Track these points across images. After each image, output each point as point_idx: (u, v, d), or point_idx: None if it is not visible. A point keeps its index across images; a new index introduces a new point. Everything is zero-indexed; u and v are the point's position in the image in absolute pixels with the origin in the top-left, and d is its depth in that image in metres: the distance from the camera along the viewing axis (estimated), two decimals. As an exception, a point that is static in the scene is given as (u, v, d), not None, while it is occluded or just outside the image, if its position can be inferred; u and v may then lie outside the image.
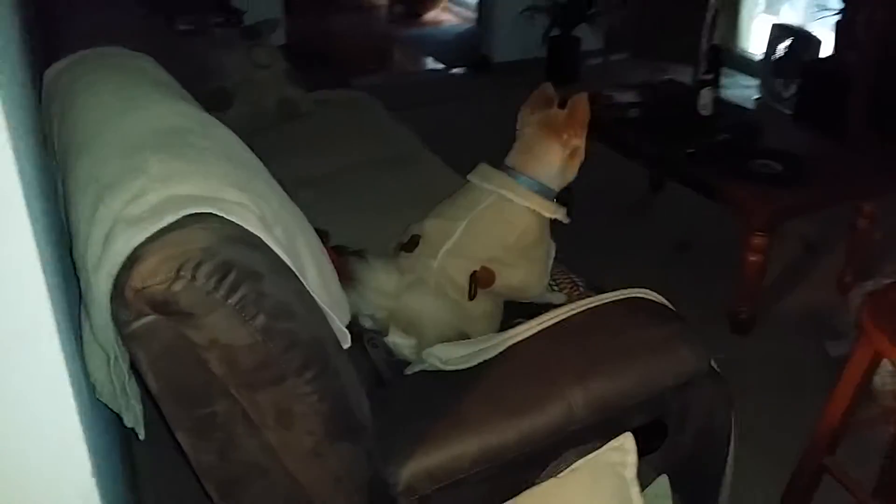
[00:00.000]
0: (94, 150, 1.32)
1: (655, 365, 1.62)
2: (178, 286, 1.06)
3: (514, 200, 1.84)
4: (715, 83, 3.40)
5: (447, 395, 1.56)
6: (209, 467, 1.28)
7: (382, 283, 1.73)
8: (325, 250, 2.03)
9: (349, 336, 1.40)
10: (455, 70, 6.24)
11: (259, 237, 1.20)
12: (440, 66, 6.34)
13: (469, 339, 1.76)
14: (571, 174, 1.86)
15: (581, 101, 1.80)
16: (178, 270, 1.06)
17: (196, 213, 1.15)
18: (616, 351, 1.63)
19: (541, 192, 1.83)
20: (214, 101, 3.10)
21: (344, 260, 2.10)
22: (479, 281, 1.80)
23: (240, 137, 2.88)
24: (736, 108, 3.55)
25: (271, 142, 3.03)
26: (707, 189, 2.95)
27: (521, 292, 1.94)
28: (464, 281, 1.80)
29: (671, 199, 3.88)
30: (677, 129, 3.22)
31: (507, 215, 1.85)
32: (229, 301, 1.10)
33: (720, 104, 3.43)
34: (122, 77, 1.57)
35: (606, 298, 1.78)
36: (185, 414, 1.22)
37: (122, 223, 1.14)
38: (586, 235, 3.61)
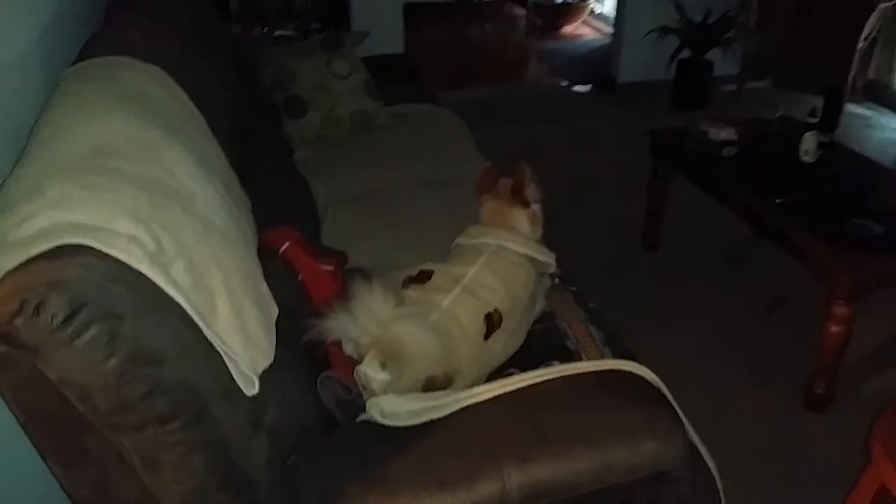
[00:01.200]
0: (28, 163, 1.32)
1: (615, 453, 1.42)
2: (19, 321, 1.03)
3: (513, 248, 1.87)
4: (829, 126, 3.01)
5: (378, 452, 1.45)
6: (85, 501, 1.24)
7: (377, 307, 1.62)
8: (320, 273, 2.01)
9: (256, 382, 1.32)
10: (579, 87, 6.01)
11: (142, 273, 1.15)
12: (565, 82, 6.14)
13: (453, 383, 1.63)
14: (537, 235, 1.98)
15: (521, 168, 1.93)
16: (22, 304, 1.03)
17: (74, 244, 1.11)
18: (574, 431, 1.45)
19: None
20: (290, 108, 3.14)
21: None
22: (494, 323, 1.74)
23: (312, 146, 2.87)
24: (852, 157, 3.13)
25: (337, 153, 3.03)
26: (791, 246, 2.62)
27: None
28: (474, 321, 1.71)
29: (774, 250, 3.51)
30: (772, 176, 2.89)
31: (512, 263, 1.86)
32: (76, 341, 1.05)
33: (834, 150, 3.05)
34: (100, 90, 1.57)
35: (588, 367, 1.60)
36: (54, 446, 1.19)
37: (3, 245, 1.12)
38: (672, 279, 3.38)
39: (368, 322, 1.60)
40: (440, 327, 1.65)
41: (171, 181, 1.36)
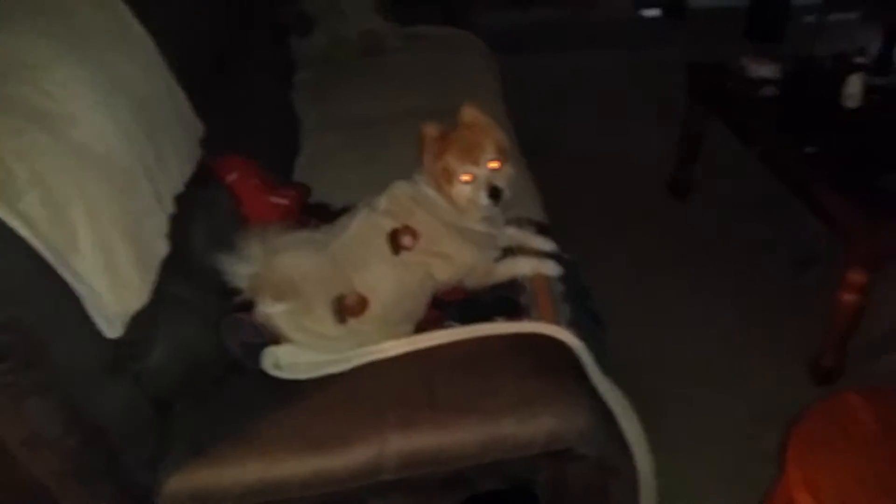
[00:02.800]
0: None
1: (505, 426, 1.31)
2: None
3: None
4: (882, 68, 2.67)
5: (263, 406, 1.38)
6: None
7: (248, 248, 1.55)
8: (265, 206, 1.92)
9: (121, 324, 1.25)
10: (647, 11, 5.59)
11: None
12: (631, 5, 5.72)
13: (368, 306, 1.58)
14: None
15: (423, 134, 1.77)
16: None
17: None
18: (467, 399, 1.35)
19: None
20: (296, 25, 3.01)
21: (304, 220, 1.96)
22: (400, 240, 1.65)
23: (316, 67, 2.71)
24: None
25: (339, 76, 2.90)
26: (812, 201, 2.36)
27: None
28: (376, 239, 1.67)
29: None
30: (807, 121, 2.60)
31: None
32: None
33: (885, 97, 2.70)
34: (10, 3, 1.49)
35: (506, 329, 1.47)
36: None
37: None
38: (696, 230, 3.13)
39: (252, 259, 1.52)
40: (337, 250, 1.63)
41: (43, 103, 1.28)
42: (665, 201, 3.37)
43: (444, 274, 1.73)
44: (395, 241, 1.67)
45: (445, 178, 1.74)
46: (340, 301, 1.57)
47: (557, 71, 4.66)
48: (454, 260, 1.74)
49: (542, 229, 2.15)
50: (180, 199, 1.63)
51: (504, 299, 1.80)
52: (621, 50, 4.96)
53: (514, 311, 1.76)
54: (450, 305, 1.79)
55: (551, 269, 1.91)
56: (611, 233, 3.12)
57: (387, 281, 1.64)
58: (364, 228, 1.69)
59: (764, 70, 2.79)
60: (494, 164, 1.77)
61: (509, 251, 1.95)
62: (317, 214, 2.07)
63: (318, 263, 1.58)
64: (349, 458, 1.28)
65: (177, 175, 1.63)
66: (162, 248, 1.41)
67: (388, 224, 1.69)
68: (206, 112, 2.05)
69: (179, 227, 1.54)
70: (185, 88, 1.90)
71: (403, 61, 3.00)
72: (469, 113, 1.80)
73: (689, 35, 5.12)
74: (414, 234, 1.68)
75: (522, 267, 1.89)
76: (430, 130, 1.75)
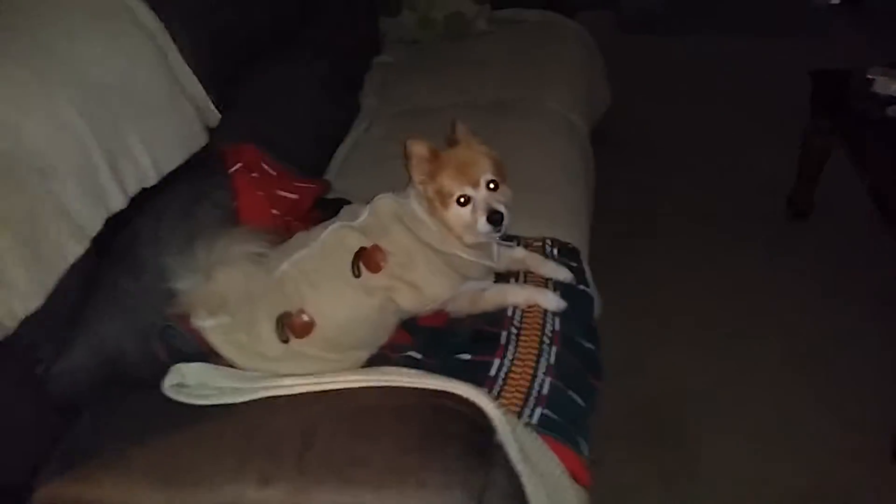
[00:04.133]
0: None
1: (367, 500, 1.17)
2: None
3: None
4: None
5: (148, 429, 1.32)
6: None
7: (192, 255, 1.50)
8: (258, 201, 1.86)
9: (16, 318, 1.24)
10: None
11: None
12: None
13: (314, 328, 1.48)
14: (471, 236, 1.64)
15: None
16: None
17: None
18: (340, 463, 1.21)
19: None
20: (385, 4, 2.92)
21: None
22: (366, 261, 1.53)
23: (400, 49, 2.74)
24: None
25: (419, 60, 2.79)
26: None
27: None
28: (340, 258, 1.55)
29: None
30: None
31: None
32: None
33: None
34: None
35: (419, 383, 1.33)
36: None
37: None
38: (812, 257, 2.75)
39: (195, 268, 1.46)
40: (296, 263, 1.53)
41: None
42: (781, 221, 2.96)
43: (409, 303, 1.59)
44: (360, 261, 1.54)
45: (440, 201, 1.60)
46: (285, 319, 1.48)
47: (694, 57, 4.24)
48: (423, 292, 1.59)
49: (568, 253, 1.94)
50: (148, 192, 1.60)
51: (481, 333, 1.64)
52: (780, 38, 4.43)
53: (489, 348, 1.59)
54: (422, 332, 1.65)
55: (550, 301, 1.71)
56: (700, 252, 2.80)
57: (341, 303, 1.53)
58: (331, 243, 1.58)
59: (895, 86, 2.34)
60: (493, 186, 1.61)
61: (514, 276, 1.79)
62: (328, 209, 1.98)
63: (262, 279, 1.49)
64: (206, 501, 1.20)
65: (147, 167, 1.60)
66: (74, 250, 1.36)
67: (358, 241, 1.57)
68: (235, 98, 2.04)
69: (130, 221, 1.52)
70: (205, 73, 1.89)
71: (487, 47, 2.84)
72: (461, 132, 1.64)
73: (860, 27, 4.48)
74: (383, 257, 1.55)
75: (514, 296, 1.71)
76: (419, 148, 1.60)
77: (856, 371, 2.28)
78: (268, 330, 1.48)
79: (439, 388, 1.30)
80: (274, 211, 1.85)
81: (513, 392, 1.51)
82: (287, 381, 1.36)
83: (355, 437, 1.22)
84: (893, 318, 2.44)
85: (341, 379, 1.35)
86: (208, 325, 1.48)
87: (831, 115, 2.59)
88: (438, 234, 1.62)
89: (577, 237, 2.03)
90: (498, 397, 1.47)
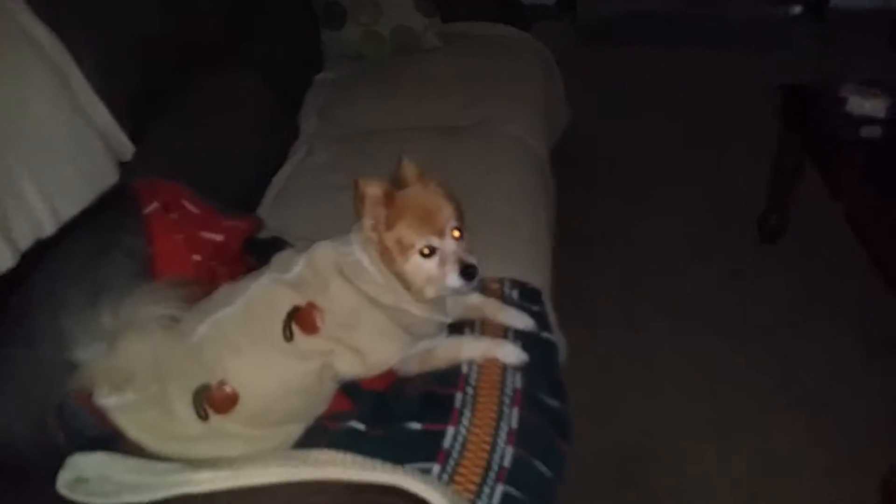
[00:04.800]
0: None
1: None
2: None
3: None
4: None
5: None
6: None
7: (94, 322, 1.27)
8: (175, 249, 1.63)
9: None
10: (789, 8, 4.84)
11: None
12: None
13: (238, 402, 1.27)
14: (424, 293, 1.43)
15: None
16: None
17: None
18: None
19: None
20: (327, 17, 2.72)
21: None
22: (304, 321, 1.32)
23: (344, 65, 2.53)
24: None
25: (363, 75, 2.58)
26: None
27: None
28: (269, 318, 1.34)
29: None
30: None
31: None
32: None
33: None
34: None
35: (360, 477, 1.13)
36: None
37: None
38: (779, 285, 2.59)
39: (98, 336, 1.24)
40: (216, 326, 1.32)
41: None
42: (751, 244, 2.81)
43: (350, 370, 1.39)
44: (293, 322, 1.34)
45: (398, 252, 1.39)
46: (204, 392, 1.26)
47: (654, 71, 4.12)
48: (366, 357, 1.39)
49: (529, 294, 1.75)
50: (44, 244, 1.37)
51: (432, 396, 1.44)
52: (741, 52, 4.33)
53: (441, 414, 1.40)
54: (364, 397, 1.44)
55: (509, 354, 1.52)
56: (670, 282, 2.63)
57: (270, 371, 1.32)
58: (259, 300, 1.37)
59: (869, 105, 2.21)
60: (457, 234, 1.42)
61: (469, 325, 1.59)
62: (261, 251, 1.76)
63: (176, 347, 1.28)
64: None
65: (42, 214, 1.37)
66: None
67: (291, 299, 1.36)
68: (154, 125, 1.82)
69: (23, 281, 1.29)
70: (116, 99, 1.67)
71: (438, 64, 2.65)
72: (410, 171, 1.44)
73: (822, 40, 4.41)
74: (320, 317, 1.34)
75: (469, 350, 1.51)
76: (373, 190, 1.38)
77: (843, 411, 2.13)
78: (183, 406, 1.27)
79: (383, 482, 1.09)
80: (196, 257, 1.62)
81: (470, 467, 1.32)
82: (199, 476, 1.15)
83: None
84: (875, 349, 2.30)
85: (262, 473, 1.13)
86: (112, 404, 1.26)
87: (802, 132, 2.45)
88: (387, 287, 1.42)
89: (538, 275, 1.85)
90: (453, 475, 1.28)
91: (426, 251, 1.38)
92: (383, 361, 1.41)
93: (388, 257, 1.40)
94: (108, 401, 1.26)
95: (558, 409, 1.53)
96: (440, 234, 1.39)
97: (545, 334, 1.67)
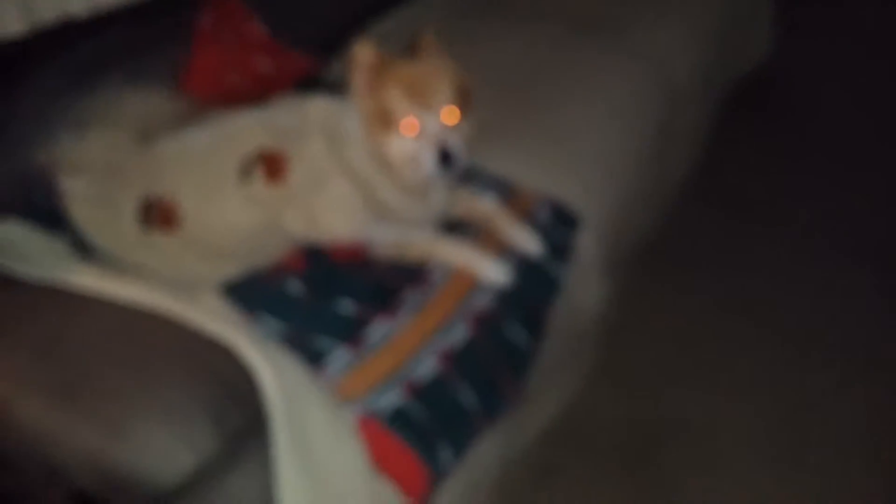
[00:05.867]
0: None
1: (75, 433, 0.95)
2: None
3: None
4: None
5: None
6: None
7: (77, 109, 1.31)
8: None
9: None
10: None
11: None
12: None
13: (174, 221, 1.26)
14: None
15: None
16: None
17: None
18: (84, 387, 0.99)
19: None
20: None
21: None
22: (271, 167, 1.26)
23: None
24: None
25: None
26: None
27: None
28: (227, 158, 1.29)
29: None
30: None
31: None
32: None
33: None
34: None
35: (214, 331, 1.08)
36: None
37: None
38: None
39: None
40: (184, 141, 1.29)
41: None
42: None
43: (297, 228, 1.32)
44: (259, 165, 1.27)
45: (381, 123, 1.27)
46: (151, 202, 1.25)
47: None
48: (317, 222, 1.30)
49: (564, 221, 1.55)
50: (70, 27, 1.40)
51: (380, 284, 1.33)
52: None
53: (379, 306, 1.29)
54: (320, 262, 1.36)
55: (488, 270, 1.36)
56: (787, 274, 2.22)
57: (218, 203, 1.28)
58: (230, 132, 1.31)
59: None
60: (450, 115, 1.27)
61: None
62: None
63: (137, 152, 1.28)
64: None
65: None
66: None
67: (261, 141, 1.29)
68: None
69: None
70: None
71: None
72: (428, 45, 1.29)
73: None
74: (286, 167, 1.27)
75: (445, 252, 1.38)
76: (365, 54, 1.26)
77: None
78: (128, 209, 1.27)
79: (228, 343, 1.02)
80: (234, 78, 1.59)
81: (377, 366, 1.22)
82: (81, 268, 1.15)
83: (122, 367, 0.99)
84: None
85: (128, 289, 1.10)
86: (69, 189, 1.29)
87: None
88: (368, 160, 1.30)
89: (591, 205, 1.63)
90: (358, 365, 1.19)
91: (409, 127, 1.25)
92: (333, 232, 1.33)
93: (371, 127, 1.27)
94: (66, 185, 1.28)
95: (523, 346, 1.37)
96: (427, 106, 1.24)
97: (554, 266, 1.47)
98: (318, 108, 1.34)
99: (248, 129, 1.31)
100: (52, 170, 1.30)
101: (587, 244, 1.60)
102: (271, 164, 1.27)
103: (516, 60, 1.91)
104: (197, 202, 1.27)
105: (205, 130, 1.31)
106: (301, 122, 1.32)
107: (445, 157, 1.24)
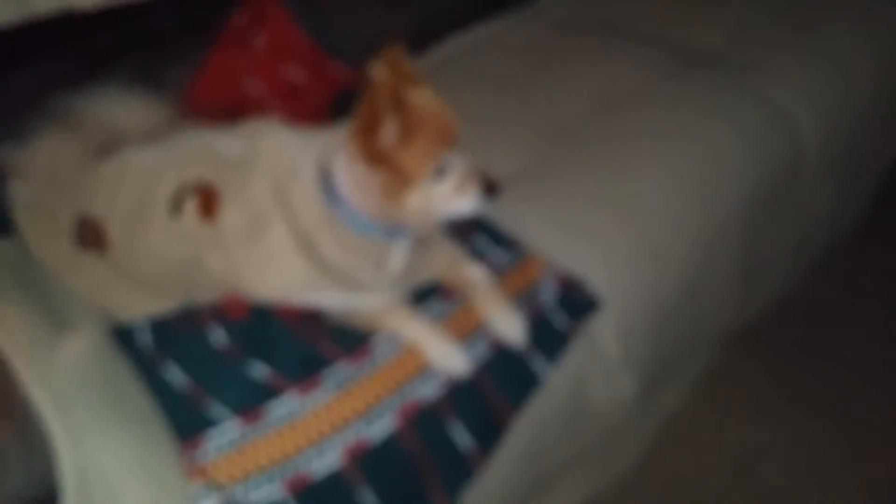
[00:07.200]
0: None
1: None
2: None
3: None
4: None
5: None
6: None
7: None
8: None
9: None
10: None
11: None
12: None
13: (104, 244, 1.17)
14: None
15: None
16: None
17: None
18: None
19: None
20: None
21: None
22: (205, 202, 1.11)
23: None
24: None
25: None
26: None
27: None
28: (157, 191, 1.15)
29: None
30: None
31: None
32: None
33: None
34: None
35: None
36: None
37: None
38: None
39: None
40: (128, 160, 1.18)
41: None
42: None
43: (217, 273, 1.15)
44: (193, 197, 1.13)
45: (400, 179, 1.02)
46: (83, 220, 1.18)
47: None
48: (241, 275, 1.14)
49: (575, 304, 1.29)
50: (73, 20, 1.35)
51: (305, 355, 1.15)
52: None
53: (296, 374, 1.12)
54: (261, 315, 1.21)
55: (443, 356, 1.15)
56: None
57: (145, 233, 1.15)
58: (174, 158, 1.17)
59: None
60: None
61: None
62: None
63: (81, 166, 1.20)
64: None
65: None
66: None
67: (201, 171, 1.13)
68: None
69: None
70: None
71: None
72: (396, 56, 1.05)
73: None
74: (218, 204, 1.11)
75: (401, 327, 1.17)
76: (382, 73, 1.00)
77: None
78: (65, 222, 1.20)
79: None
80: (250, 90, 1.48)
81: (266, 451, 1.06)
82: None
83: None
84: None
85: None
86: (16, 192, 1.24)
87: None
88: (314, 208, 1.09)
89: (631, 295, 1.34)
90: (242, 447, 1.04)
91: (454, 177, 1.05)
92: (258, 289, 1.15)
93: (391, 186, 1.03)
94: (14, 189, 1.24)
95: (465, 453, 1.14)
96: (456, 145, 1.04)
97: (538, 360, 1.22)
98: (271, 139, 1.16)
99: (192, 156, 1.17)
100: (6, 171, 1.26)
101: (607, 336, 1.32)
102: (205, 199, 1.12)
103: (597, 88, 1.64)
104: (125, 228, 1.16)
105: (151, 152, 1.19)
106: (251, 154, 1.15)
107: (491, 187, 1.06)
